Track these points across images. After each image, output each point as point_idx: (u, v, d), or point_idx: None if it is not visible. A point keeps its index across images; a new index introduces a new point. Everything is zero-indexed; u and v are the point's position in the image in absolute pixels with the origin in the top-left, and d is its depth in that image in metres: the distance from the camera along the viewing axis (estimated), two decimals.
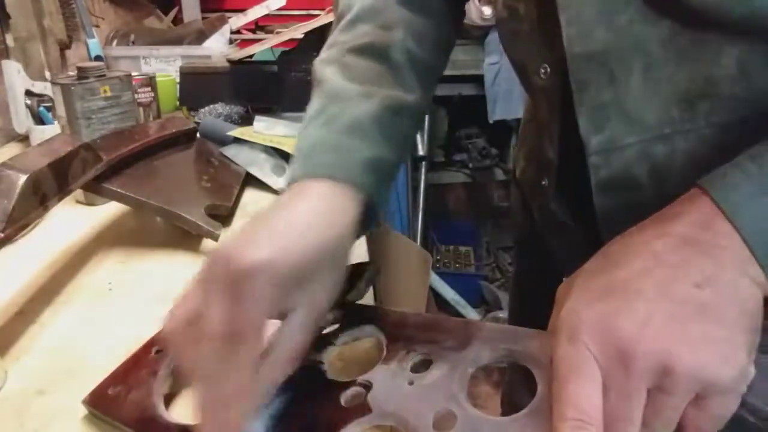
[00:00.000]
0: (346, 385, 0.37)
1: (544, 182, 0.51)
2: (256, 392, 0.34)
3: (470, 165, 2.41)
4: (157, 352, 0.46)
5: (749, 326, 0.29)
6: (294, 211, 0.38)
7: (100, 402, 0.43)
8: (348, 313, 0.43)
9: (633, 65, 0.38)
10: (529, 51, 0.47)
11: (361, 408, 0.35)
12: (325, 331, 0.43)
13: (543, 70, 0.45)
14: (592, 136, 0.41)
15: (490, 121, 2.27)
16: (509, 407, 0.84)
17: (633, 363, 0.28)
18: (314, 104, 0.47)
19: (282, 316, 0.36)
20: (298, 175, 0.42)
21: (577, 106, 0.41)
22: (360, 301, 0.45)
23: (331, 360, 0.41)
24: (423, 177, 2.20)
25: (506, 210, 2.74)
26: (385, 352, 0.38)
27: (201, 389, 0.33)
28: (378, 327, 0.41)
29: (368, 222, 0.43)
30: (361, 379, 0.37)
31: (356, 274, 0.45)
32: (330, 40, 0.52)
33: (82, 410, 0.44)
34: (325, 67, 0.49)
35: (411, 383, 0.35)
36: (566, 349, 0.30)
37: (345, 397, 0.36)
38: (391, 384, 0.36)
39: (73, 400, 0.44)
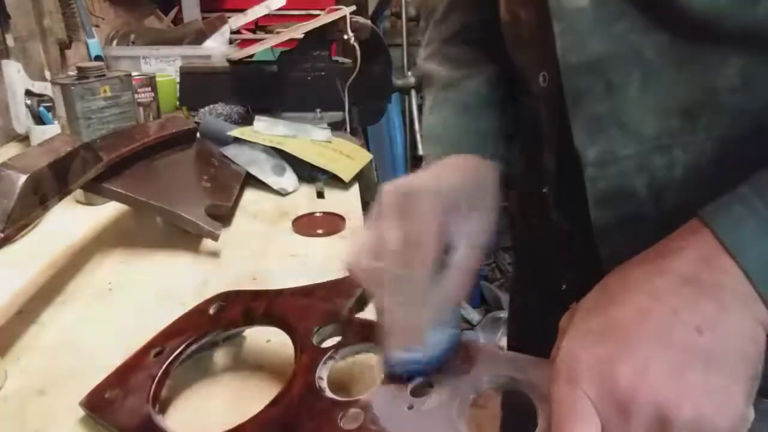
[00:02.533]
0: (346, 405, 0.36)
1: (544, 190, 0.50)
2: (436, 305, 0.37)
3: None
4: (156, 354, 0.45)
5: (749, 373, 0.29)
6: (442, 167, 0.46)
7: (96, 405, 0.42)
8: (349, 328, 0.42)
9: (630, 75, 0.37)
10: (529, 57, 0.47)
11: (359, 430, 0.34)
12: (325, 345, 0.42)
13: (542, 78, 0.44)
14: (587, 148, 0.39)
15: None
16: (509, 408, 0.84)
17: (631, 412, 0.28)
18: (429, 97, 0.57)
19: (447, 248, 0.39)
20: (432, 155, 0.50)
21: (571, 118, 0.39)
22: (361, 315, 0.45)
23: (330, 375, 0.40)
24: None
25: (506, 210, 2.74)
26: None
27: (384, 297, 0.37)
28: (377, 345, 0.39)
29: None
30: (360, 399, 0.36)
31: (358, 285, 0.45)
32: (427, 37, 0.61)
33: (82, 410, 0.44)
34: (429, 64, 0.58)
35: (411, 407, 0.35)
36: (564, 392, 0.30)
37: (344, 418, 0.36)
38: (390, 406, 0.35)
39: (73, 400, 0.44)
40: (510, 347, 0.84)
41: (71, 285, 0.62)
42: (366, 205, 0.87)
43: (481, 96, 0.54)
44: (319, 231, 0.74)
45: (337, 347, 0.41)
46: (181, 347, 0.46)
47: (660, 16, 0.35)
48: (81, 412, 0.43)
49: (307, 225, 0.76)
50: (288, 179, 0.90)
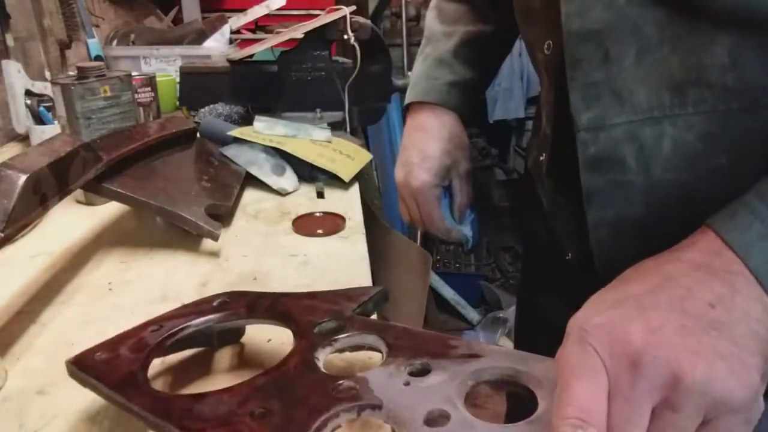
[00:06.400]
0: (340, 379, 0.36)
1: (541, 158, 0.52)
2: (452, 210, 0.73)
3: None
4: (154, 330, 0.45)
5: (761, 349, 0.28)
6: (423, 135, 0.70)
7: (84, 363, 0.41)
8: (350, 325, 0.42)
9: (628, 46, 0.39)
10: (539, 28, 0.49)
11: (352, 398, 0.34)
12: (323, 332, 0.41)
13: (547, 46, 0.46)
14: (582, 113, 0.41)
15: (490, 121, 2.28)
16: (513, 400, 0.84)
17: (641, 368, 0.27)
18: (422, 44, 0.74)
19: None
20: (409, 101, 0.73)
21: (569, 82, 0.42)
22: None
23: (327, 358, 0.40)
24: None
25: (506, 210, 2.74)
26: (384, 358, 0.38)
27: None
28: (380, 337, 0.40)
29: (468, 117, 0.72)
30: (356, 375, 0.36)
31: (364, 294, 0.45)
32: None
33: (83, 410, 0.43)
34: (429, 13, 0.73)
35: (407, 384, 0.35)
36: (573, 349, 0.29)
37: (336, 389, 0.35)
38: (386, 383, 0.35)
39: (73, 400, 0.44)
40: (517, 330, 0.84)
41: (71, 285, 0.62)
42: (366, 205, 0.87)
43: (454, 53, 0.68)
44: (319, 231, 0.74)
45: (336, 334, 0.41)
46: (180, 326, 0.45)
47: None
48: (81, 412, 0.43)
49: (307, 225, 0.76)
50: (288, 179, 0.90)
